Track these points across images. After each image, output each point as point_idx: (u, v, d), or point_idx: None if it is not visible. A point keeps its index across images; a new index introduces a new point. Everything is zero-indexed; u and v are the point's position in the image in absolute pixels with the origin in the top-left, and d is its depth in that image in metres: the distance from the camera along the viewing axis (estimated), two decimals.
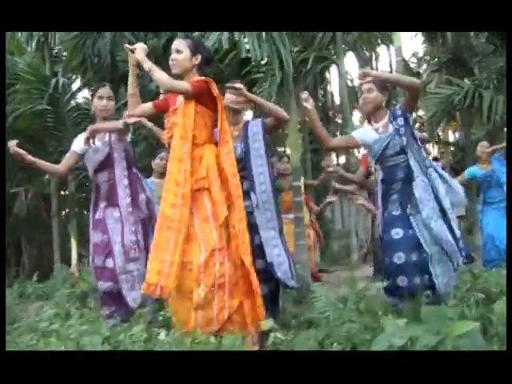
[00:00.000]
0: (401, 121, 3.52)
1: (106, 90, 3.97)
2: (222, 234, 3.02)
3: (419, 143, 3.62)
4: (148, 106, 3.36)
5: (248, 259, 3.01)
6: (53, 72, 10.35)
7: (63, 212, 12.56)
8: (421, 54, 19.01)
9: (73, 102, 10.10)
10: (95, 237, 3.87)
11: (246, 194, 3.45)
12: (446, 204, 3.39)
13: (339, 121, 18.20)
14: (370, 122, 3.72)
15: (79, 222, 10.30)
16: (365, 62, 15.11)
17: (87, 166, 3.95)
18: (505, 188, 5.80)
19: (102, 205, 3.88)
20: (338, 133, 17.14)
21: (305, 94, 3.63)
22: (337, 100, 18.61)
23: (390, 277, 3.34)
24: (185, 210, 2.96)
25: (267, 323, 2.56)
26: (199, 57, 3.21)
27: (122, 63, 11.10)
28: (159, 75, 3.04)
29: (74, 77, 11.21)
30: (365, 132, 3.73)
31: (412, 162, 3.45)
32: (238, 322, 2.89)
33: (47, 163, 4.04)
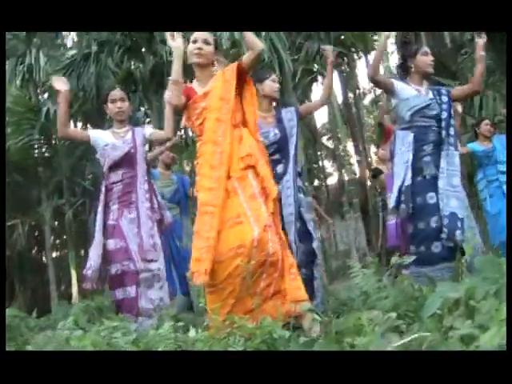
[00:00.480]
0: (445, 98, 3.69)
1: (117, 92, 3.95)
2: (269, 211, 2.97)
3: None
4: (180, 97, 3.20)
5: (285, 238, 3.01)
6: (40, 103, 10.37)
7: (58, 248, 12.36)
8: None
9: None
10: (111, 244, 3.74)
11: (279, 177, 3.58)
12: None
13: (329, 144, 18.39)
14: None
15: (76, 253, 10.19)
16: (347, 76, 15.30)
17: (102, 161, 3.89)
18: (499, 165, 5.89)
19: (114, 207, 3.79)
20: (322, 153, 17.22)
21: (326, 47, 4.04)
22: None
23: (424, 242, 3.38)
24: (220, 193, 2.90)
25: (305, 305, 2.49)
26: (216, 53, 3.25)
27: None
28: None
29: None
30: (405, 85, 3.77)
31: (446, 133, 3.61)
32: (277, 305, 2.79)
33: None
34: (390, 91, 3.78)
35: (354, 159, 20.95)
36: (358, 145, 16.90)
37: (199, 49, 3.11)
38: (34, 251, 12.30)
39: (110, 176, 3.86)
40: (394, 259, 2.95)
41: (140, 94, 11.49)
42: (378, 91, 21.29)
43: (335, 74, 10.51)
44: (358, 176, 18.36)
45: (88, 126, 11.15)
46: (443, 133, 3.62)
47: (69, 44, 14.05)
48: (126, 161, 3.85)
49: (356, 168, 20.34)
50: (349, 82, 15.83)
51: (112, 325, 2.44)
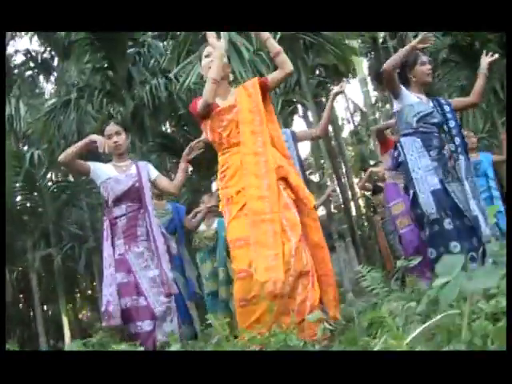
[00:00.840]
0: (447, 107, 3.82)
1: (112, 127, 3.86)
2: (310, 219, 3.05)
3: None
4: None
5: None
6: (23, 150, 10.34)
7: (47, 299, 12.09)
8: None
9: (49, 175, 10.04)
10: (119, 278, 3.64)
11: None
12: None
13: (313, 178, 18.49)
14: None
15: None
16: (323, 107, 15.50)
17: (105, 195, 3.80)
18: (490, 180, 5.99)
19: (120, 241, 3.70)
20: None
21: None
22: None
23: (440, 245, 3.41)
24: (275, 199, 2.92)
25: (316, 314, 2.42)
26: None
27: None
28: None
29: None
30: (408, 92, 3.81)
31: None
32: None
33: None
34: (396, 93, 3.78)
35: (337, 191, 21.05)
36: (341, 177, 17.01)
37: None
38: (21, 303, 12.00)
39: (113, 210, 3.77)
40: (400, 262, 2.92)
41: None
42: (357, 121, 21.62)
43: (313, 107, 10.64)
44: (343, 207, 18.45)
45: (69, 177, 11.09)
46: (456, 140, 3.75)
47: (47, 93, 14.09)
48: (130, 195, 3.78)
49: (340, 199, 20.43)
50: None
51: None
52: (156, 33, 11.13)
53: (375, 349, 1.58)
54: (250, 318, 2.77)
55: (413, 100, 3.74)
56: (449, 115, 3.79)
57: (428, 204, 3.51)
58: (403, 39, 13.03)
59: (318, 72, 11.28)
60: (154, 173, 3.92)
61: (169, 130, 14.45)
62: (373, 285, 2.46)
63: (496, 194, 5.88)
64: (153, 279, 3.65)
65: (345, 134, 24.79)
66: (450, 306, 1.72)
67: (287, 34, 7.00)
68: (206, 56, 3.23)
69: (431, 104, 3.79)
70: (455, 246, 3.42)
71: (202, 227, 5.89)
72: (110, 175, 3.79)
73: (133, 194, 3.78)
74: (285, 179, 3.05)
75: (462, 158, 3.70)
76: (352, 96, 19.99)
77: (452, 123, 3.77)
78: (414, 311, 1.91)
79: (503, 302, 1.61)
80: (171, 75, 10.98)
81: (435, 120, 3.72)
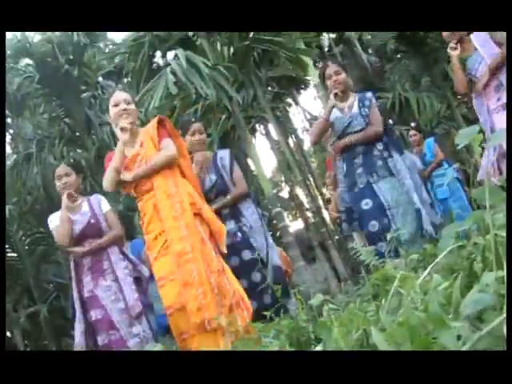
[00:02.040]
0: (368, 107, 3.75)
1: (61, 169, 3.91)
2: (221, 252, 3.11)
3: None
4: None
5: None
6: None
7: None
8: None
9: (21, 231, 9.86)
10: (92, 315, 3.66)
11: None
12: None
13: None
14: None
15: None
16: (283, 121, 15.68)
17: (60, 237, 3.79)
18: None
19: (87, 278, 3.72)
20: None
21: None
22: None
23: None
24: (195, 239, 2.96)
25: (317, 297, 2.42)
26: None
27: (56, 193, 11.08)
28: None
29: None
30: (334, 109, 3.84)
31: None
32: None
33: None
34: (329, 127, 3.92)
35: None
36: (310, 189, 17.12)
37: (125, 110, 3.17)
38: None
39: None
40: (389, 235, 2.96)
41: (90, 179, 11.41)
42: None
43: (274, 119, 10.75)
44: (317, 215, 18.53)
45: (42, 228, 10.92)
46: (384, 138, 3.75)
47: (8, 150, 13.90)
48: (88, 232, 3.78)
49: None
50: (286, 126, 16.19)
51: None
52: (106, 73, 11.15)
53: (388, 301, 1.60)
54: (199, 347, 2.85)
55: (333, 117, 3.81)
56: (366, 111, 3.76)
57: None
58: (349, 43, 13.36)
59: (272, 86, 11.44)
60: (106, 206, 3.91)
61: None
62: (368, 258, 2.48)
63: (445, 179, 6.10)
64: (124, 310, 3.64)
65: (306, 145, 25.01)
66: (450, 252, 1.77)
67: (239, 49, 7.10)
68: (115, 105, 3.19)
69: (355, 109, 3.79)
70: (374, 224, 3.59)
71: None
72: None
73: (91, 231, 3.78)
74: (198, 215, 3.09)
75: (395, 155, 3.73)
76: (306, 105, 20.23)
77: (363, 123, 3.75)
78: (416, 262, 1.95)
79: (503, 234, 1.66)
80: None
81: (355, 129, 3.74)
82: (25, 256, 9.05)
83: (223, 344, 2.77)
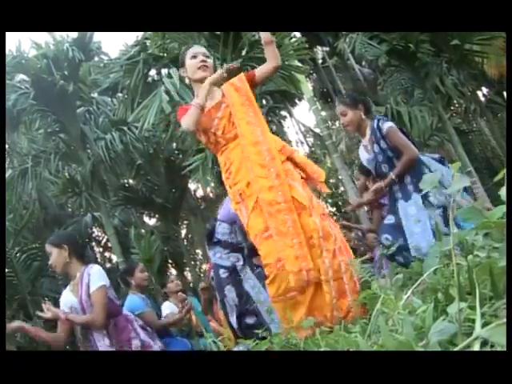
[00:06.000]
0: (383, 144, 3.55)
1: (46, 248, 3.55)
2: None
3: None
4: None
5: None
6: None
7: None
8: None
9: (17, 247, 9.86)
10: None
11: None
12: None
13: None
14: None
15: None
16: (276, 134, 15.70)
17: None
18: None
19: None
20: None
21: None
22: None
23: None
24: (285, 188, 2.81)
25: (309, 321, 2.46)
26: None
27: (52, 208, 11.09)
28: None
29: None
30: (361, 153, 3.79)
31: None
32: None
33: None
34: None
35: None
36: None
37: (203, 61, 3.12)
38: None
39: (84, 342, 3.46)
40: (380, 251, 3.03)
41: (85, 194, 11.44)
42: (310, 142, 21.96)
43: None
44: None
45: (38, 243, 10.92)
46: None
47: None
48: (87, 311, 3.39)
49: None
50: (281, 139, 16.25)
51: None
52: (102, 89, 11.21)
53: (372, 320, 1.66)
54: (298, 311, 2.68)
55: (364, 157, 3.75)
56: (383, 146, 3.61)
57: None
58: (342, 56, 13.47)
59: (266, 100, 11.51)
60: (95, 284, 3.37)
61: (130, 182, 14.41)
62: (361, 274, 2.53)
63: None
64: None
65: None
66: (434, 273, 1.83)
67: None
68: (193, 57, 3.14)
69: (375, 147, 3.60)
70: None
71: (172, 308, 5.21)
72: (68, 306, 3.44)
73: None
74: (291, 159, 2.97)
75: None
76: (301, 117, 20.32)
77: (380, 157, 3.61)
78: (402, 282, 2.01)
79: (482, 254, 1.72)
80: (125, 128, 11.09)
81: (383, 166, 3.61)
82: (20, 271, 9.06)
83: (327, 291, 2.64)
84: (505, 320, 0.84)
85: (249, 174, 2.88)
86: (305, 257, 2.66)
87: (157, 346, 3.60)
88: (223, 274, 3.56)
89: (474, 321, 1.09)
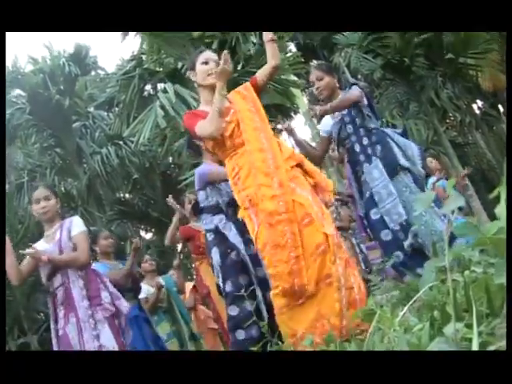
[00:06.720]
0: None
1: (40, 191, 3.53)
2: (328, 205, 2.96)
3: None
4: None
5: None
6: None
7: None
8: None
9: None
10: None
11: None
12: None
13: None
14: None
15: None
16: None
17: (41, 272, 3.45)
18: None
19: (61, 313, 3.40)
20: None
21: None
22: None
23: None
24: (287, 199, 2.72)
25: (308, 338, 2.41)
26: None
27: None
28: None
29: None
30: (324, 122, 3.79)
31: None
32: None
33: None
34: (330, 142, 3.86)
35: None
36: None
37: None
38: None
39: (53, 282, 3.44)
40: (375, 267, 3.01)
41: (81, 208, 11.43)
42: None
43: None
44: None
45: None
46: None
47: None
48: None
49: None
50: None
51: None
52: (98, 103, 11.24)
53: (368, 338, 1.64)
54: (307, 315, 2.64)
55: (328, 124, 3.78)
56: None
57: None
58: (337, 70, 13.53)
59: None
60: (76, 229, 3.48)
61: (126, 196, 14.39)
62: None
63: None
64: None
65: None
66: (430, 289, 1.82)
67: (228, 81, 7.16)
68: (205, 63, 3.04)
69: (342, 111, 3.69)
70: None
71: (147, 290, 5.31)
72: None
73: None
74: (300, 166, 2.93)
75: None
76: (296, 131, 20.25)
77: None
78: (397, 298, 1.99)
79: (478, 270, 1.71)
80: (121, 142, 11.11)
81: (351, 130, 3.68)
82: (15, 286, 8.97)
83: (338, 298, 2.59)
84: (504, 343, 0.82)
85: (255, 180, 2.82)
86: (299, 272, 2.61)
87: (125, 303, 3.62)
88: (209, 237, 3.47)
89: (470, 340, 1.08)
